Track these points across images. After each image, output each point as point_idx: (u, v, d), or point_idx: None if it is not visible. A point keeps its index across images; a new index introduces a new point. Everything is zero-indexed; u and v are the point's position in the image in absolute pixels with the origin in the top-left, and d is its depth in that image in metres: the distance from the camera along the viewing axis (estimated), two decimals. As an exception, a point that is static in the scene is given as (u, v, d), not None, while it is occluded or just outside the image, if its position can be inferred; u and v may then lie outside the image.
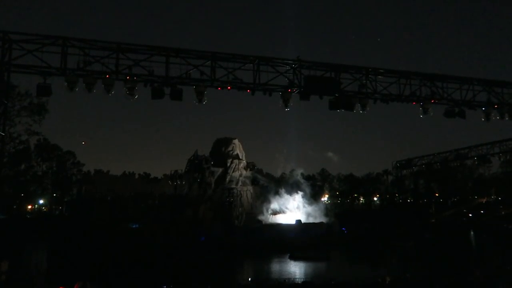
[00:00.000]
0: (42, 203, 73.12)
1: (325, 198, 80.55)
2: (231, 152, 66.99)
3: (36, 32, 15.26)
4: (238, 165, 65.87)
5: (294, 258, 37.90)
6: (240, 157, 67.60)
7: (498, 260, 36.52)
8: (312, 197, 70.78)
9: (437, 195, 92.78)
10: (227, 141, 68.46)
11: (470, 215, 77.68)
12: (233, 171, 64.70)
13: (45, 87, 14.45)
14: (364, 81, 17.43)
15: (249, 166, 68.42)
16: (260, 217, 60.32)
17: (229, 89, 16.38)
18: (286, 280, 22.57)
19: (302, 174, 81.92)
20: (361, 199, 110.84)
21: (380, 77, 17.82)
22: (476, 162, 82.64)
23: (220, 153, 66.67)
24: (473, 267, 22.00)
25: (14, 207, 63.89)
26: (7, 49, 13.95)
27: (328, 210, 69.63)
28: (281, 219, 58.80)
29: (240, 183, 63.70)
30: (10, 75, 14.40)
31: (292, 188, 69.51)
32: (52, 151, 67.18)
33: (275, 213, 62.05)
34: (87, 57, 14.60)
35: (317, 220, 57.54)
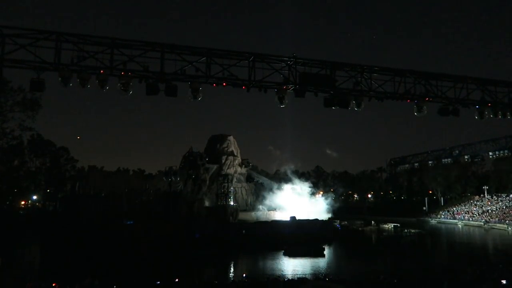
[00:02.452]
0: (35, 199, 72.71)
1: (319, 195, 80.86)
2: (226, 148, 67.02)
3: (29, 26, 15.08)
4: (233, 162, 65.94)
5: (289, 254, 38.06)
6: (235, 154, 67.65)
7: (488, 257, 36.97)
8: (311, 194, 71.21)
9: (430, 192, 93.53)
10: (222, 138, 68.48)
11: (463, 213, 78.55)
12: (228, 168, 64.75)
13: (39, 82, 14.31)
14: (359, 78, 17.45)
15: (244, 163, 68.50)
16: (255, 214, 60.47)
17: (224, 86, 16.32)
18: (280, 277, 22.66)
19: (297, 171, 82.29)
20: (355, 196, 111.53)
21: (375, 74, 17.84)
22: (469, 160, 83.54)
23: (215, 149, 66.71)
24: (465, 264, 22.25)
25: (7, 203, 63.46)
26: (0, 44, 13.78)
27: (331, 207, 70.16)
28: (276, 215, 59.01)
29: (235, 180, 63.78)
30: (3, 70, 14.26)
31: (286, 184, 69.76)
32: (46, 146, 66.74)
33: (270, 209, 62.24)
34: (81, 52, 14.47)
35: (319, 217, 57.92)
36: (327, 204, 72.08)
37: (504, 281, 6.54)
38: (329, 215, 64.96)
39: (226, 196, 57.46)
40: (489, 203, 79.09)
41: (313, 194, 75.26)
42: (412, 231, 57.22)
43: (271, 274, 25.80)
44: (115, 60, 14.71)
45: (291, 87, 16.74)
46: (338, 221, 62.51)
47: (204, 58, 15.80)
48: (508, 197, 77.48)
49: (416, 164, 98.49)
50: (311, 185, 76.86)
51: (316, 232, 49.25)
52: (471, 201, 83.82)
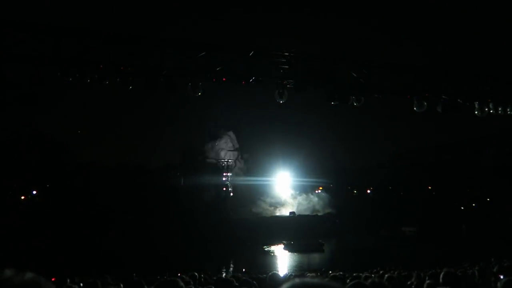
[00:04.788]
0: (35, 194, 72.79)
1: (319, 190, 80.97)
2: (225, 144, 67.06)
3: (28, 20, 14.97)
4: (233, 157, 65.99)
5: (288, 249, 38.22)
6: (235, 149, 67.69)
7: (488, 253, 37.07)
8: (311, 189, 71.28)
9: (430, 188, 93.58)
10: (222, 133, 68.50)
11: (462, 208, 78.74)
12: (227, 163, 64.79)
13: (37, 76, 14.25)
14: (359, 73, 17.39)
15: (244, 158, 68.55)
16: (256, 209, 60.62)
17: (224, 81, 16.25)
18: (277, 271, 22.73)
19: (297, 166, 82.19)
20: (355, 191, 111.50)
21: (375, 69, 17.77)
22: (470, 156, 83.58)
23: (215, 145, 66.73)
24: (463, 260, 22.30)
25: (7, 197, 63.55)
26: (-1, 38, 13.69)
27: (331, 202, 70.36)
28: (276, 211, 59.16)
29: (234, 175, 63.86)
30: (2, 64, 14.18)
31: (286, 179, 69.72)
32: (45, 141, 66.72)
33: (270, 205, 62.37)
34: (81, 47, 14.38)
35: (319, 212, 58.13)
36: (327, 199, 72.21)
37: (501, 276, 6.57)
38: (329, 210, 65.09)
39: (226, 191, 57.63)
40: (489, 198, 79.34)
41: (313, 189, 75.37)
42: (412, 226, 57.41)
43: (271, 270, 25.89)
44: (114, 55, 14.63)
45: (291, 82, 16.68)
46: (337, 216, 62.66)
47: (204, 53, 15.72)
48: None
49: (416, 160, 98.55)
50: (311, 180, 76.93)
51: (316, 227, 49.46)
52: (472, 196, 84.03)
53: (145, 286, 4.90)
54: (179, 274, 15.85)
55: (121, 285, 5.89)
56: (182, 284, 2.90)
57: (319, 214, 57.88)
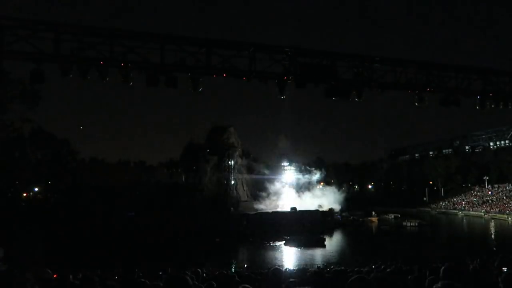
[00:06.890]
0: (37, 191, 72.91)
1: (320, 186, 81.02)
2: (226, 140, 67.02)
3: (28, 17, 14.94)
4: (234, 153, 65.98)
5: (290, 245, 38.28)
6: (236, 145, 67.66)
7: (489, 247, 37.15)
8: (311, 185, 71.32)
9: (430, 183, 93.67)
10: (223, 129, 68.41)
11: (463, 203, 78.82)
12: (228, 159, 64.83)
13: (38, 73, 14.23)
14: (360, 69, 17.33)
15: (245, 154, 68.55)
16: (256, 205, 60.70)
17: (224, 77, 16.22)
18: (279, 266, 22.80)
19: (297, 162, 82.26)
20: (356, 187, 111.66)
21: (376, 65, 17.71)
22: (470, 150, 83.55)
23: (216, 141, 66.68)
24: (465, 253, 22.35)
25: (9, 194, 63.66)
26: (-1, 35, 13.66)
27: (331, 198, 70.49)
28: (277, 206, 59.26)
29: (235, 171, 63.91)
30: (2, 62, 14.18)
31: (287, 175, 69.78)
32: (47, 138, 66.72)
33: (271, 200, 62.44)
34: (81, 43, 14.35)
35: (324, 207, 58.35)
36: (328, 194, 72.31)
37: (505, 269, 6.58)
38: (330, 206, 65.21)
39: (227, 187, 57.69)
40: (490, 193, 79.31)
41: (314, 185, 75.46)
42: (412, 221, 57.50)
43: (273, 265, 25.99)
44: (114, 51, 14.60)
45: (292, 77, 16.63)
46: (339, 211, 62.78)
47: (204, 48, 15.68)
48: (508, 187, 77.70)
49: (417, 155, 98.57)
50: (312, 176, 76.97)
51: (317, 223, 49.55)
52: (472, 192, 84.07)
53: (147, 282, 4.92)
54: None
55: (121, 281, 5.92)
56: (191, 282, 2.89)
57: (320, 209, 57.94)
